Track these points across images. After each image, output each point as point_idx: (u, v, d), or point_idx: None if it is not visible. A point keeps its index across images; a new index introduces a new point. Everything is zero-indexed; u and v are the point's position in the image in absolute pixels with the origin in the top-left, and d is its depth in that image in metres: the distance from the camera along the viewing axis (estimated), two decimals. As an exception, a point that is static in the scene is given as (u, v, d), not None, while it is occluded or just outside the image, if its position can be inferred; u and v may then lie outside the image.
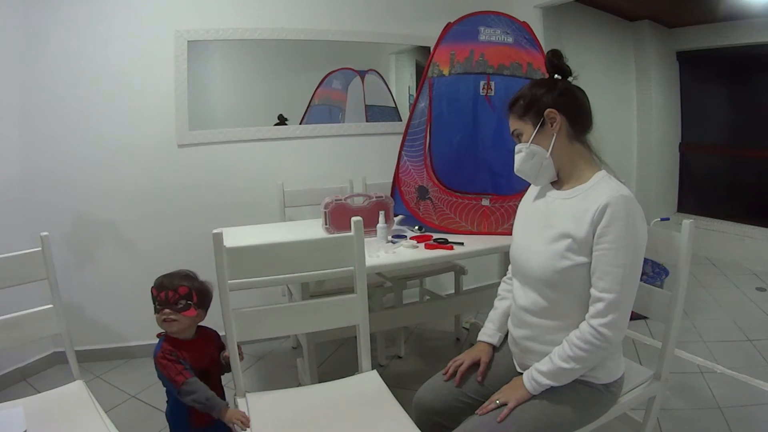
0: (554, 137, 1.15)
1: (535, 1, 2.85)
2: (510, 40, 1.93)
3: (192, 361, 1.33)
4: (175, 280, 1.34)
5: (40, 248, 1.36)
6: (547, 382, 1.11)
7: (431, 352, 2.52)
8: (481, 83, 1.93)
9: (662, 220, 3.32)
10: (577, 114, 1.17)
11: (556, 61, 1.20)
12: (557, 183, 1.23)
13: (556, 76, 1.20)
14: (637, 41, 3.95)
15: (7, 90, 2.13)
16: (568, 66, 1.20)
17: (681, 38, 3.99)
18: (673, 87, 4.11)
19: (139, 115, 2.33)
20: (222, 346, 1.44)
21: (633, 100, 4.03)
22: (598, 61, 3.69)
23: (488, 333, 1.35)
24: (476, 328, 2.59)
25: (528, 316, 1.19)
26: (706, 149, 4.19)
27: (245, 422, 1.22)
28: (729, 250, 3.78)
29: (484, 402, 1.16)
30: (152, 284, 1.35)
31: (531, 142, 1.17)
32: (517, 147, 1.21)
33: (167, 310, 1.31)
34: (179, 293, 1.32)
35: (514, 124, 1.22)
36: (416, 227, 2.00)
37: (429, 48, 2.27)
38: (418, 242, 1.81)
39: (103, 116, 2.28)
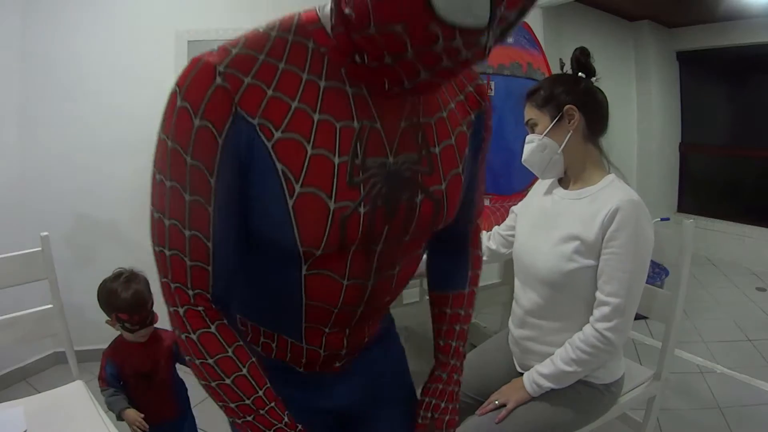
0: (569, 134, 1.14)
1: (535, 1, 2.85)
2: (510, 40, 1.93)
3: (134, 365, 1.34)
4: (138, 298, 1.29)
5: (40, 248, 1.35)
6: (549, 384, 1.11)
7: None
8: (481, 83, 1.93)
9: (662, 220, 3.31)
10: (595, 115, 1.16)
11: (583, 59, 1.19)
12: (564, 182, 1.22)
13: (580, 74, 1.19)
14: (637, 41, 3.95)
15: (7, 90, 2.12)
16: (594, 67, 1.19)
17: (681, 38, 3.99)
18: (673, 87, 4.11)
19: (139, 115, 2.32)
20: (176, 352, 1.38)
21: (633, 100, 4.03)
22: (598, 62, 3.64)
23: None
24: (476, 328, 2.60)
25: (529, 316, 1.19)
26: (706, 149, 4.19)
27: (141, 427, 1.25)
28: (729, 250, 3.78)
29: (484, 402, 1.16)
30: (109, 304, 1.29)
31: (545, 135, 1.15)
32: (529, 137, 1.19)
33: (143, 331, 1.31)
34: (148, 309, 1.32)
35: (530, 114, 1.19)
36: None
37: (429, 48, 2.27)
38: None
39: (102, 116, 2.27)
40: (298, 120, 0.53)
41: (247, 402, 0.58)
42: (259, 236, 0.57)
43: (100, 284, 1.34)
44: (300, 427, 0.63)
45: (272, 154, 0.53)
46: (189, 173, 0.52)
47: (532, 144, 1.18)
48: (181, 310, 0.56)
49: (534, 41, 1.93)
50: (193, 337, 0.56)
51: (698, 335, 2.56)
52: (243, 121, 0.51)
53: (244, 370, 0.58)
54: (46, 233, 1.36)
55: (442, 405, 0.80)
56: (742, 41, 3.58)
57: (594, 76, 1.20)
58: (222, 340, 0.57)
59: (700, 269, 3.56)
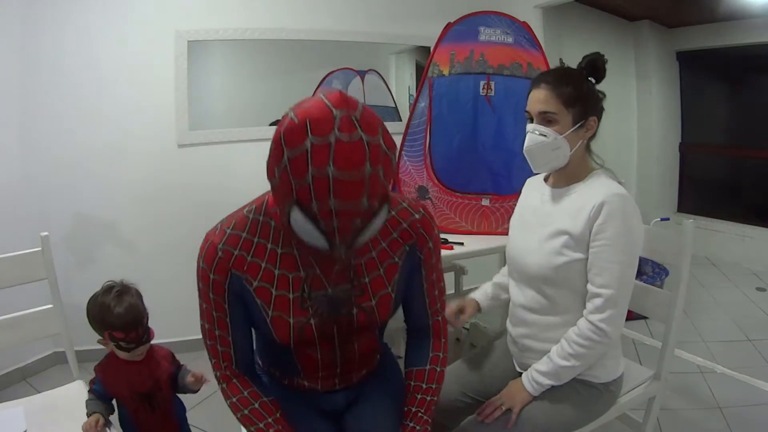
0: (581, 142, 1.14)
1: (535, 1, 2.85)
2: (510, 40, 1.93)
3: (132, 385, 1.24)
4: (133, 313, 1.20)
5: (40, 248, 1.35)
6: (548, 381, 1.11)
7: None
8: (481, 83, 1.93)
9: (662, 220, 3.32)
10: (599, 124, 1.17)
11: (601, 66, 1.15)
12: (552, 179, 1.23)
13: (590, 78, 1.15)
14: (637, 41, 3.95)
15: (7, 90, 2.12)
16: (604, 75, 1.16)
17: (681, 38, 3.99)
18: (673, 87, 4.11)
19: (139, 116, 2.33)
20: (176, 368, 1.33)
21: (633, 100, 4.03)
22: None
23: (479, 294, 1.39)
24: (476, 328, 2.60)
25: (526, 313, 1.20)
26: (706, 149, 4.19)
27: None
28: (729, 250, 3.78)
29: (484, 402, 1.16)
30: (103, 322, 1.20)
31: (563, 136, 1.11)
32: (542, 129, 1.12)
33: (140, 349, 1.22)
34: (144, 325, 1.23)
35: (550, 106, 1.10)
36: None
37: (429, 48, 2.27)
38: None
39: (102, 116, 2.27)
40: (266, 275, 0.89)
41: (260, 425, 0.92)
42: (258, 332, 0.98)
43: (90, 300, 1.23)
44: None
45: (253, 295, 0.90)
46: (213, 302, 0.91)
47: (545, 138, 1.11)
48: (217, 373, 0.96)
49: (534, 41, 1.93)
50: (224, 386, 0.95)
51: (698, 335, 2.56)
52: (236, 276, 0.89)
53: (256, 405, 0.94)
54: (46, 233, 1.36)
55: None
56: (742, 41, 3.57)
57: (599, 83, 1.17)
58: (240, 387, 0.95)
59: (700, 269, 3.56)
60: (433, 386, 1.01)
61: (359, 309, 0.93)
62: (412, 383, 1.02)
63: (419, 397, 1.00)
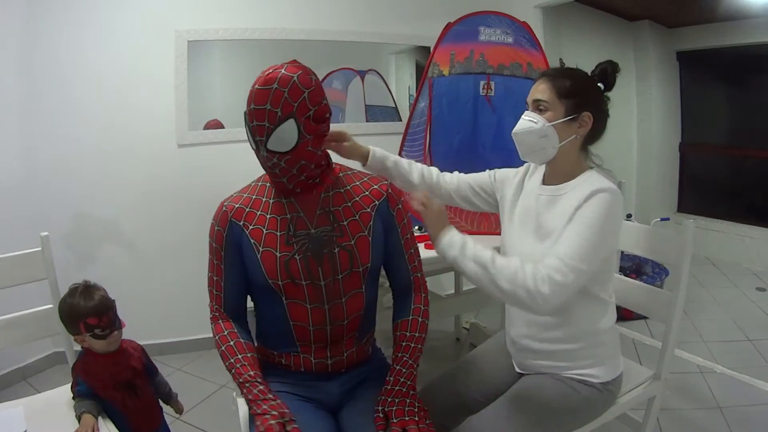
0: (573, 137, 1.13)
1: (535, 1, 2.86)
2: (510, 40, 1.93)
3: (114, 377, 1.26)
4: (104, 300, 1.24)
5: (40, 248, 1.35)
6: (453, 254, 1.05)
7: (431, 352, 2.52)
8: (481, 83, 1.93)
9: (662, 220, 3.32)
10: (599, 128, 1.16)
11: (611, 73, 1.16)
12: (547, 178, 1.22)
13: (599, 84, 1.16)
14: (637, 41, 3.95)
15: (7, 92, 2.12)
16: (614, 84, 1.17)
17: (681, 38, 3.99)
18: (673, 87, 4.11)
19: (139, 116, 2.33)
20: (148, 360, 1.37)
21: (633, 100, 4.03)
22: (598, 62, 3.68)
23: (380, 151, 1.36)
24: (476, 328, 2.60)
25: (524, 313, 1.19)
26: (706, 149, 4.19)
27: None
28: (729, 250, 3.78)
29: (484, 402, 1.16)
30: (75, 316, 1.22)
31: (551, 125, 1.12)
32: (533, 116, 1.13)
33: (116, 334, 1.25)
34: (114, 310, 1.26)
35: (545, 95, 1.12)
36: (416, 227, 2.00)
37: (429, 48, 2.27)
38: (418, 242, 1.81)
39: (102, 116, 2.27)
40: (260, 219, 1.11)
41: (231, 360, 1.07)
42: (252, 278, 1.12)
43: (60, 303, 1.26)
44: (260, 380, 1.04)
45: (248, 236, 1.10)
46: (214, 250, 1.13)
47: (534, 125, 1.13)
48: (210, 315, 1.16)
49: (534, 41, 1.93)
50: (212, 326, 1.14)
51: (698, 335, 2.56)
52: (235, 224, 1.11)
53: (232, 343, 1.10)
54: (46, 233, 1.36)
55: (389, 399, 1.05)
56: (742, 41, 3.58)
57: (610, 90, 1.17)
58: (223, 327, 1.13)
59: (700, 269, 3.56)
60: (417, 334, 1.15)
61: (340, 248, 1.08)
62: (398, 333, 1.16)
63: (404, 344, 1.13)
